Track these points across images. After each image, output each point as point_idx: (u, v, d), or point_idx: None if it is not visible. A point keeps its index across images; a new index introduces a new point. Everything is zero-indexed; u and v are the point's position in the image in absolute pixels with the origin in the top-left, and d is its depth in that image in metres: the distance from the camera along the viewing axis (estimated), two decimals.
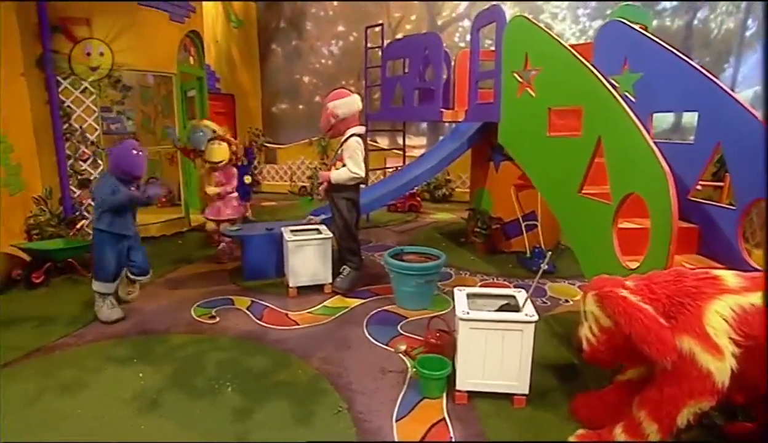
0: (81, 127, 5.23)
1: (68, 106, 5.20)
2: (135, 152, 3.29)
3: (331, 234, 3.96)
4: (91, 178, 5.27)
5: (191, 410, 2.37)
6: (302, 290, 3.86)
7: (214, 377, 2.65)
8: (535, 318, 2.34)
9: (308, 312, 3.53)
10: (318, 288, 3.90)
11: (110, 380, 2.64)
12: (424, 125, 9.18)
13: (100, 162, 5.39)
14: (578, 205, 2.99)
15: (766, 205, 2.42)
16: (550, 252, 2.62)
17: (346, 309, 3.58)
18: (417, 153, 7.63)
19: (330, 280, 3.92)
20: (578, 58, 2.97)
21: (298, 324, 3.34)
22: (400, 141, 7.50)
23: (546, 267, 2.53)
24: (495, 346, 2.39)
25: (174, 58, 6.17)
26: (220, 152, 4.83)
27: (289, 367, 2.76)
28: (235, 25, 9.41)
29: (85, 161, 5.22)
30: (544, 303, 3.70)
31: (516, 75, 3.71)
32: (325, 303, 3.72)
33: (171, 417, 2.32)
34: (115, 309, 3.43)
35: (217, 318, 3.43)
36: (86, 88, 5.28)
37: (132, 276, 3.58)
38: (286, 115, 10.21)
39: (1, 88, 4.23)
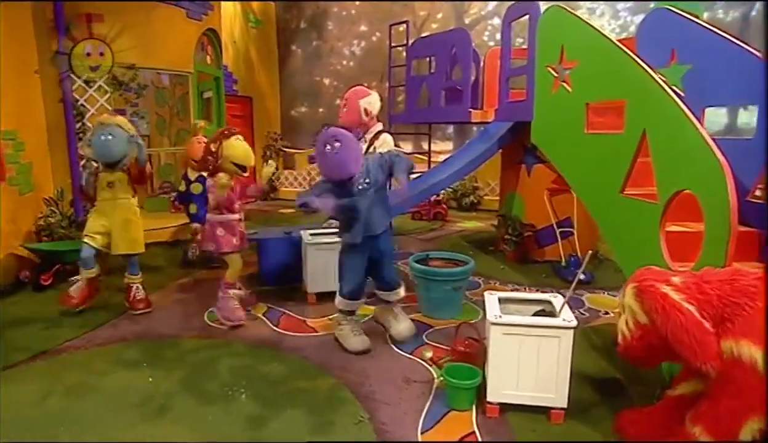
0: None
1: (82, 105, 5.36)
2: (329, 148, 2.69)
3: None
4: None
5: (202, 416, 2.36)
6: (321, 297, 3.85)
7: (227, 383, 2.65)
8: (574, 323, 2.28)
9: (328, 320, 3.52)
10: None
11: (118, 384, 2.66)
12: (451, 129, 9.19)
13: None
14: (620, 206, 2.92)
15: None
16: (589, 252, 2.55)
17: (368, 317, 3.56)
18: (443, 159, 7.62)
19: None
20: (620, 48, 2.92)
21: (317, 332, 3.34)
22: (425, 145, 7.51)
23: (582, 276, 2.47)
24: (530, 354, 2.33)
25: (191, 57, 6.33)
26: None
27: (306, 375, 2.75)
28: (254, 25, 9.62)
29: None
30: (582, 314, 3.61)
31: (551, 69, 3.68)
32: None
33: (181, 422, 2.31)
34: (362, 337, 3.06)
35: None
36: (100, 86, 5.44)
37: (381, 293, 3.19)
38: (305, 119, 10.35)
39: (13, 85, 4.36)
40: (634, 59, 2.83)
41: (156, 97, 7.72)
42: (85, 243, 3.58)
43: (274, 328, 3.40)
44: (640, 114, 2.76)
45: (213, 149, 3.30)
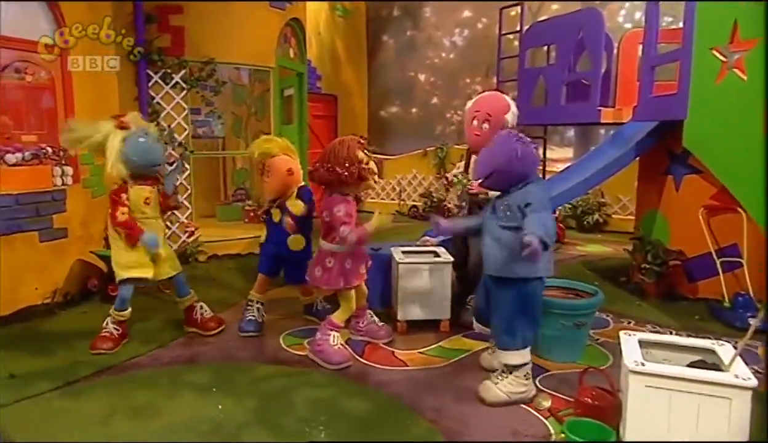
0: (169, 127, 5.80)
1: (157, 103, 5.83)
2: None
3: (451, 259, 3.92)
4: (176, 183, 5.79)
5: None
6: (413, 325, 3.87)
7: (304, 418, 2.70)
8: (753, 383, 2.05)
9: (420, 353, 3.53)
10: (432, 325, 3.89)
11: (186, 408, 2.80)
12: (572, 133, 8.89)
13: (187, 166, 5.92)
14: None
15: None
16: None
17: (468, 353, 3.53)
18: (561, 168, 7.38)
19: (448, 316, 3.89)
20: None
21: (407, 366, 3.35)
22: (539, 152, 7.32)
23: (759, 323, 2.26)
24: (684, 417, 2.16)
25: (273, 50, 6.68)
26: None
27: (395, 416, 2.74)
28: (341, 15, 9.99)
29: (171, 165, 5.75)
30: (759, 373, 3.25)
31: (716, 53, 3.45)
32: (441, 343, 3.70)
33: None
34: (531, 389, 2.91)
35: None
36: (177, 83, 5.89)
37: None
38: (396, 120, 10.52)
39: (90, 82, 4.79)
40: None
41: (233, 94, 8.22)
42: (132, 279, 3.56)
43: (358, 358, 3.44)
44: None
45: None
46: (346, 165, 3.21)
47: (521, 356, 2.84)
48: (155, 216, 3.70)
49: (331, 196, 3.32)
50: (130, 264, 3.57)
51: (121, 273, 3.58)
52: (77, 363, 3.31)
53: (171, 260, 3.80)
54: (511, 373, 2.86)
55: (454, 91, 9.85)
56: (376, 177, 3.42)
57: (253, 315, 3.88)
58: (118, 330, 3.61)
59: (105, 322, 3.63)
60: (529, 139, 2.80)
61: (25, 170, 4.19)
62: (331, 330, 3.39)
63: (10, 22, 4.10)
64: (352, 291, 3.45)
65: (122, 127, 3.50)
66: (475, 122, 3.52)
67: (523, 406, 2.84)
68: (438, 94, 10.13)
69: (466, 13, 9.73)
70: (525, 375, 2.87)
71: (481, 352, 3.50)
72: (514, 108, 3.51)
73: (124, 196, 3.50)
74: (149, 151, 3.55)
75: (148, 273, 3.61)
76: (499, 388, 2.86)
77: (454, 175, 3.91)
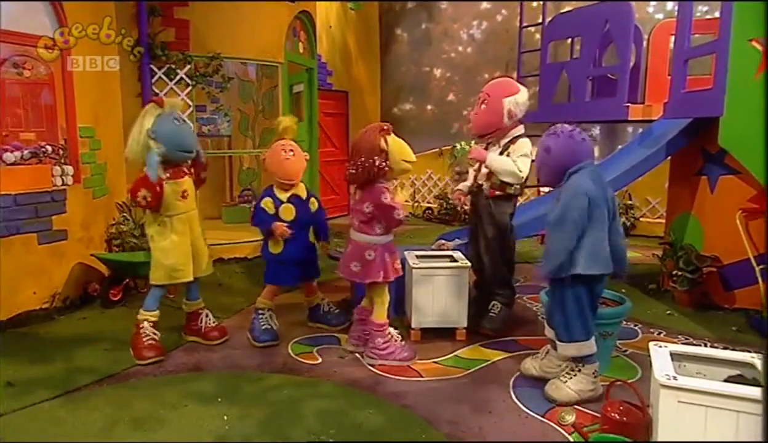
0: None
1: None
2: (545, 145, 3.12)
3: (468, 264, 3.93)
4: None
5: None
6: (427, 334, 3.88)
7: (313, 430, 2.71)
8: None
9: (434, 362, 3.53)
10: (448, 333, 3.89)
11: (190, 420, 2.82)
12: (596, 131, 8.84)
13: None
14: None
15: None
16: None
17: (486, 363, 3.52)
18: None
19: (464, 323, 3.89)
20: None
21: (422, 376, 3.35)
22: None
23: None
24: (721, 436, 2.13)
25: (281, 44, 6.73)
26: None
27: (409, 428, 2.74)
28: (353, 7, 10.01)
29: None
30: None
31: (755, 45, 3.43)
32: (457, 352, 3.69)
33: None
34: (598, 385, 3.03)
35: (320, 359, 3.57)
36: (181, 78, 5.94)
37: None
38: (410, 118, 10.51)
39: (92, 79, 4.83)
40: None
41: (240, 91, 8.28)
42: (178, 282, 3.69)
43: (370, 368, 3.45)
44: None
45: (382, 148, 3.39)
46: (377, 156, 3.35)
47: (579, 347, 2.93)
48: (190, 208, 3.67)
49: (372, 188, 3.42)
50: (174, 267, 3.59)
51: (160, 278, 3.62)
52: (77, 371, 3.35)
53: (209, 259, 3.86)
54: (579, 371, 2.97)
55: (471, 87, 9.79)
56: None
57: (268, 324, 3.87)
58: (157, 334, 3.64)
59: (141, 326, 3.61)
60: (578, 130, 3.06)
61: (23, 169, 4.24)
62: (384, 329, 3.52)
63: (9, 15, 4.14)
64: (386, 285, 3.54)
65: (157, 103, 3.53)
66: (479, 105, 3.85)
67: (544, 420, 2.83)
68: (455, 90, 10.12)
69: (485, 5, 9.71)
70: (594, 373, 2.99)
71: (500, 363, 3.53)
72: (520, 97, 3.76)
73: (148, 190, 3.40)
74: (181, 135, 3.51)
75: (187, 275, 3.65)
76: (568, 387, 2.95)
77: (459, 145, 4.06)
